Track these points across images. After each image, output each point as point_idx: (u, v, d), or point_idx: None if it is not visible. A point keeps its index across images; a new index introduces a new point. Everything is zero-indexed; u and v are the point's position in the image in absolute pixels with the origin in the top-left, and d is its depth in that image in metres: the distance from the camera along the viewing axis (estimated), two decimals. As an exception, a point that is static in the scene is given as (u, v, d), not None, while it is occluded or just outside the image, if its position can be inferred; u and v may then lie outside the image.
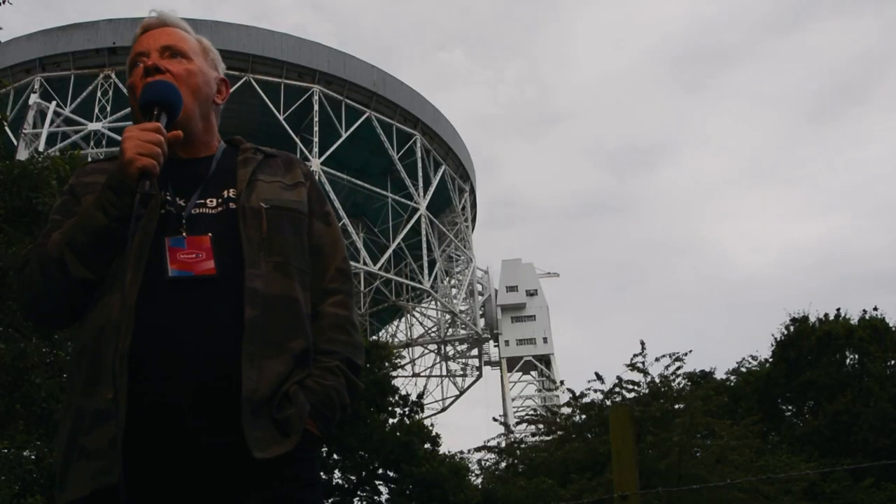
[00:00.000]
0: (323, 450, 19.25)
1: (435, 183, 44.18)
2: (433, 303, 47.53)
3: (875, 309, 25.54)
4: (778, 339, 25.23)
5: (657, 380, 16.97)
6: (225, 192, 1.70)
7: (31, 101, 35.92)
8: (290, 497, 1.52)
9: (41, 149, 22.88)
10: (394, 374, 24.54)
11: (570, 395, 18.46)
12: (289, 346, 1.57)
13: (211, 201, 1.68)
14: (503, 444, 22.20)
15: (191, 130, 1.74)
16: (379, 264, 40.71)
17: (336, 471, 19.93)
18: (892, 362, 23.85)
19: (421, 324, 50.61)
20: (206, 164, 1.76)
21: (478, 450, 21.63)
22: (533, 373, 55.55)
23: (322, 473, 19.38)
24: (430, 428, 21.67)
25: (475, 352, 51.07)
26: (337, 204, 37.49)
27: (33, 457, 11.00)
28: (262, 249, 1.61)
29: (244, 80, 36.50)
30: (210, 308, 1.54)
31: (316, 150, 37.77)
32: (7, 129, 31.92)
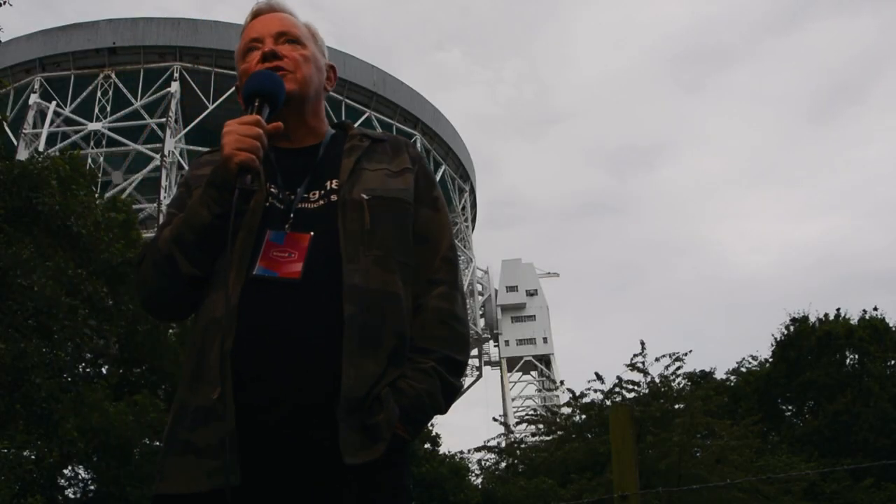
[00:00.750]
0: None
1: (435, 183, 44.18)
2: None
3: (875, 309, 25.61)
4: (778, 339, 25.26)
5: (657, 380, 16.98)
6: (328, 184, 1.67)
7: (31, 101, 35.95)
8: (377, 503, 1.50)
9: (41, 149, 22.90)
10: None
11: (570, 395, 18.47)
12: (385, 344, 1.53)
13: (314, 194, 1.65)
14: (503, 444, 22.21)
15: (301, 114, 1.74)
16: (379, 264, 40.69)
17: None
18: (892, 362, 23.87)
19: (421, 324, 50.56)
20: (314, 151, 1.74)
21: (478, 450, 21.66)
22: (533, 373, 55.60)
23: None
24: (430, 428, 21.66)
25: (475, 352, 51.11)
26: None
27: (33, 457, 11.01)
28: (361, 243, 1.57)
29: (244, 80, 36.51)
30: (302, 309, 1.51)
31: (316, 150, 37.76)
32: (7, 129, 31.95)
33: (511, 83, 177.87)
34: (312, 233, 1.58)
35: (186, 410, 1.50)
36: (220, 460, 1.41)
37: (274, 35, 1.75)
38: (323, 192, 1.65)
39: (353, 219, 1.59)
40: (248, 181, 1.51)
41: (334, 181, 1.66)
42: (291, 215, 1.60)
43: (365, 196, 1.63)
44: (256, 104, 1.60)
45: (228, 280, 1.52)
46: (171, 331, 15.33)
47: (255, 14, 1.82)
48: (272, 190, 1.64)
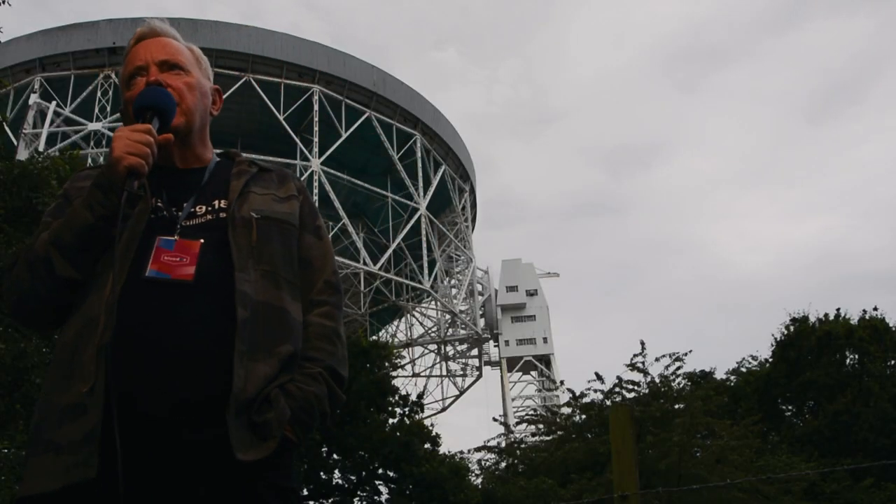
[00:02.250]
0: (323, 450, 19.25)
1: (435, 183, 44.17)
2: (433, 303, 47.52)
3: (875, 309, 25.61)
4: (778, 339, 25.25)
5: (657, 380, 16.98)
6: (216, 202, 1.71)
7: (31, 101, 35.91)
8: (262, 502, 1.50)
9: (41, 149, 22.89)
10: (394, 374, 24.52)
11: (570, 395, 18.47)
12: (277, 350, 1.57)
13: (200, 208, 1.69)
14: (503, 444, 22.22)
15: (188, 145, 1.78)
16: (379, 264, 40.70)
17: (336, 471, 19.92)
18: (892, 362, 23.86)
19: (421, 324, 50.61)
20: (200, 174, 1.77)
21: (478, 450, 21.68)
22: (533, 373, 55.57)
23: (322, 473, 19.38)
24: (430, 428, 21.66)
25: (475, 352, 51.07)
26: (337, 204, 37.51)
27: (33, 457, 11.01)
28: (251, 257, 1.62)
29: (244, 80, 36.47)
30: (192, 310, 1.53)
31: (316, 150, 37.75)
32: (7, 129, 31.94)
33: (507, 83, 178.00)
34: (203, 240, 1.61)
35: (54, 410, 1.48)
36: (80, 455, 1.40)
37: (158, 63, 1.77)
38: (210, 208, 1.69)
39: (243, 234, 1.64)
40: (135, 185, 1.53)
41: (222, 200, 1.71)
42: (179, 225, 1.63)
43: (254, 214, 1.68)
44: (148, 117, 1.63)
45: (108, 279, 1.52)
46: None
47: (139, 38, 1.83)
48: (158, 204, 1.67)
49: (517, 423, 25.58)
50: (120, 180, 1.53)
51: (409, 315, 50.58)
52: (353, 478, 20.05)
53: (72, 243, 1.58)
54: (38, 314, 1.66)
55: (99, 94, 36.71)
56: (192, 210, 1.68)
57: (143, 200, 1.62)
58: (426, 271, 43.16)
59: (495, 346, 53.05)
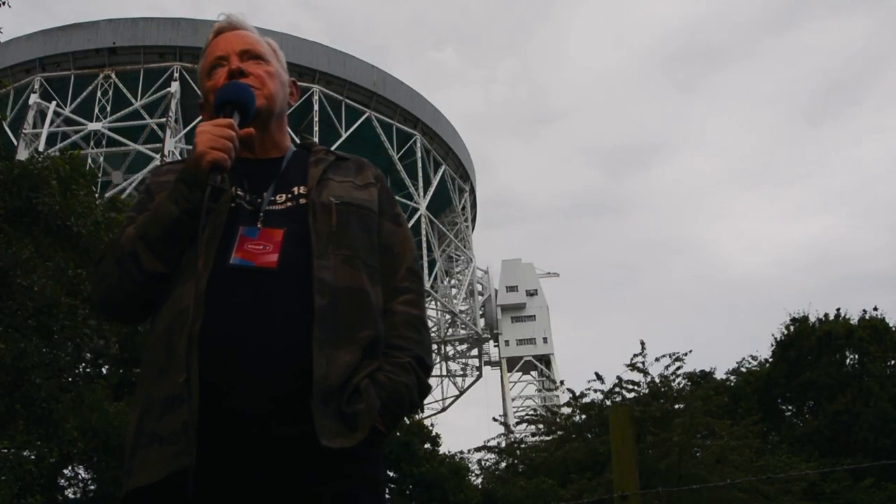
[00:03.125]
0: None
1: (435, 183, 44.20)
2: (433, 303, 47.53)
3: (875, 309, 25.62)
4: (778, 339, 25.26)
5: (657, 380, 16.98)
6: (296, 189, 1.71)
7: (31, 101, 35.93)
8: (353, 494, 1.50)
9: (41, 149, 22.87)
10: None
11: (570, 395, 18.48)
12: (358, 336, 1.56)
13: (280, 197, 1.70)
14: (503, 444, 22.22)
15: (267, 130, 1.79)
16: (379, 264, 40.67)
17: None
18: (892, 362, 23.87)
19: (421, 324, 50.55)
20: (278, 162, 1.78)
21: (478, 450, 21.67)
22: (533, 373, 55.58)
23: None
24: (430, 428, 21.66)
25: (475, 352, 51.10)
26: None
27: (33, 457, 11.01)
28: (330, 242, 1.62)
29: (244, 80, 36.49)
30: (276, 297, 1.54)
31: (316, 150, 37.73)
32: (7, 129, 31.95)
33: (505, 83, 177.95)
34: (285, 228, 1.63)
35: (154, 403, 1.50)
36: (181, 444, 1.42)
37: (238, 53, 1.79)
38: (290, 195, 1.71)
39: (323, 220, 1.65)
40: (218, 180, 1.55)
41: (302, 187, 1.72)
42: (261, 214, 1.64)
43: (334, 200, 1.68)
44: (228, 111, 1.65)
45: (196, 271, 1.54)
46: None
47: (218, 32, 1.85)
48: (238, 192, 1.68)
49: (517, 423, 25.57)
50: (204, 174, 1.56)
51: (409, 315, 50.51)
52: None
53: (158, 237, 1.60)
54: (125, 308, 1.68)
55: (99, 94, 36.71)
56: (273, 198, 1.69)
57: (225, 193, 1.63)
58: (426, 271, 43.17)
59: (495, 346, 53.07)
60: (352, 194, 1.74)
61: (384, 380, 1.56)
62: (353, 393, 1.51)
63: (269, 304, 1.52)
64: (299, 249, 1.60)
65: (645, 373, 16.94)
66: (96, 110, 36.31)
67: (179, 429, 1.43)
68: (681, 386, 17.49)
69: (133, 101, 36.50)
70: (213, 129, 1.59)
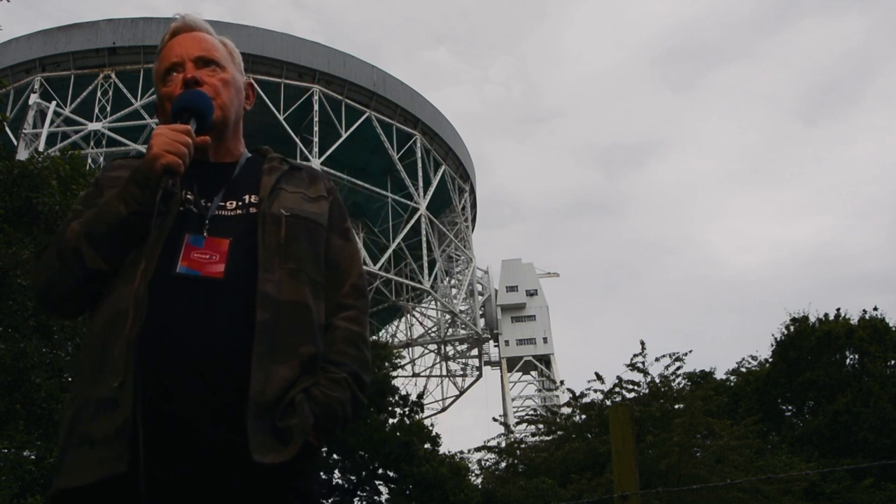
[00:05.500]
0: (323, 450, 19.24)
1: (435, 183, 44.17)
2: (433, 303, 47.52)
3: (875, 309, 25.62)
4: (778, 339, 25.25)
5: (657, 380, 16.98)
6: (247, 197, 1.71)
7: (31, 101, 35.90)
8: None
9: (41, 149, 22.87)
10: (394, 374, 24.52)
11: (570, 395, 18.47)
12: (298, 351, 1.57)
13: (231, 203, 1.70)
14: (503, 444, 22.20)
15: (222, 137, 1.79)
16: (379, 264, 40.69)
17: (336, 471, 19.92)
18: (892, 362, 23.86)
19: (421, 324, 50.63)
20: (231, 169, 1.78)
21: (478, 450, 21.66)
22: (533, 373, 55.53)
23: (322, 473, 19.36)
24: (430, 428, 21.65)
25: (475, 352, 51.08)
26: (337, 204, 37.46)
27: (33, 457, 11.00)
28: (277, 255, 1.62)
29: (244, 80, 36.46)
30: (220, 308, 1.54)
31: (316, 149, 37.74)
32: (7, 129, 31.92)
33: (499, 82, 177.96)
34: (231, 238, 1.62)
35: (88, 403, 1.49)
36: (113, 449, 1.41)
37: (194, 59, 1.78)
38: (241, 203, 1.70)
39: (271, 232, 1.64)
40: (169, 183, 1.56)
41: (253, 196, 1.71)
42: (207, 221, 1.64)
43: (284, 212, 1.68)
44: (185, 118, 1.66)
45: (137, 274, 1.53)
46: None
47: (174, 33, 1.84)
48: (188, 196, 1.68)
49: (517, 423, 25.56)
50: (156, 177, 1.56)
51: (409, 315, 50.58)
52: (353, 478, 20.05)
53: (103, 235, 1.59)
54: (64, 302, 1.67)
55: (99, 94, 36.70)
56: (222, 204, 1.69)
57: (175, 196, 1.64)
58: (426, 271, 43.16)
59: (495, 346, 53.03)
60: (302, 206, 1.74)
61: (318, 395, 1.56)
62: (286, 407, 1.51)
63: (212, 315, 1.52)
64: (245, 260, 1.60)
65: (645, 373, 16.94)
66: (96, 110, 36.31)
67: (113, 433, 1.42)
68: (681, 386, 17.48)
69: (133, 101, 36.50)
70: (169, 132, 1.59)
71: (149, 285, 1.52)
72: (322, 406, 1.56)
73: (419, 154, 43.01)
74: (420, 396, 22.12)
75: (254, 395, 1.47)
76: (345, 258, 1.78)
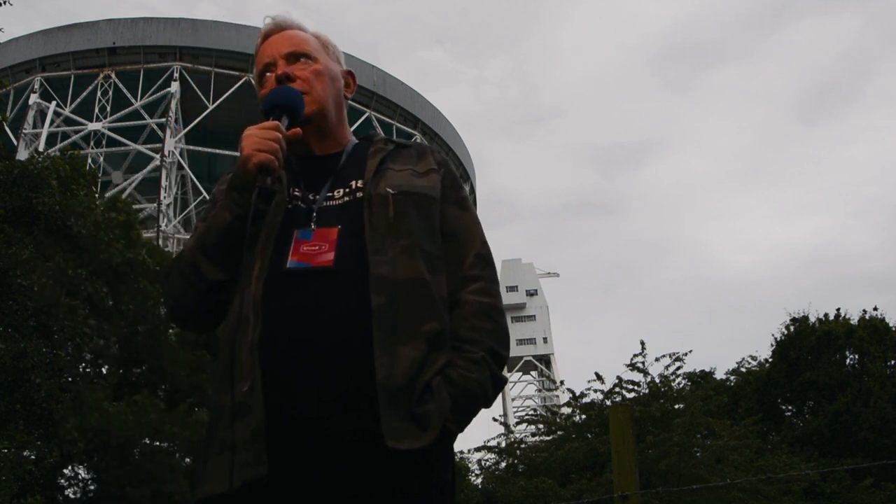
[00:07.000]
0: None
1: (435, 183, 44.16)
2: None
3: (875, 309, 25.61)
4: (778, 339, 25.25)
5: (657, 380, 16.97)
6: (353, 183, 1.69)
7: (31, 101, 35.91)
8: (420, 498, 1.47)
9: (41, 149, 22.88)
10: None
11: (570, 395, 18.47)
12: (421, 329, 1.52)
13: (338, 192, 1.68)
14: (503, 444, 22.19)
15: (323, 128, 1.76)
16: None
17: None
18: (892, 362, 23.86)
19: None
20: (337, 158, 1.77)
21: (478, 450, 21.63)
22: (533, 373, 55.59)
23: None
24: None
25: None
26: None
27: (33, 457, 11.00)
28: (388, 235, 1.58)
29: (244, 80, 36.43)
30: (336, 297, 1.52)
31: (316, 150, 37.73)
32: (7, 129, 31.94)
33: (496, 82, 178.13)
34: (340, 226, 1.60)
35: (224, 410, 1.50)
36: (252, 453, 1.42)
37: (285, 56, 1.77)
38: (347, 189, 1.68)
39: (379, 213, 1.61)
40: (267, 181, 1.56)
41: (359, 181, 1.69)
42: (314, 214, 1.63)
43: (390, 190, 1.64)
44: (275, 115, 1.65)
45: (251, 277, 1.54)
46: (171, 331, 15.32)
47: (265, 36, 1.84)
48: (295, 193, 1.67)
49: (517, 423, 25.54)
50: (252, 178, 1.56)
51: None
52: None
53: (215, 245, 1.61)
54: (193, 317, 1.70)
55: (99, 94, 36.69)
56: (329, 194, 1.68)
57: (278, 193, 1.63)
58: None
59: (495, 346, 53.00)
60: (411, 182, 1.69)
61: (456, 376, 1.51)
62: (423, 392, 1.47)
63: (328, 305, 1.50)
64: (355, 245, 1.57)
65: (645, 373, 16.93)
66: (96, 110, 36.29)
67: (249, 437, 1.42)
68: (681, 386, 17.48)
69: (133, 101, 36.49)
70: (258, 131, 1.58)
71: (263, 285, 1.52)
72: (460, 388, 1.50)
73: (419, 154, 43.00)
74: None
75: (381, 380, 1.44)
76: (463, 227, 1.72)
